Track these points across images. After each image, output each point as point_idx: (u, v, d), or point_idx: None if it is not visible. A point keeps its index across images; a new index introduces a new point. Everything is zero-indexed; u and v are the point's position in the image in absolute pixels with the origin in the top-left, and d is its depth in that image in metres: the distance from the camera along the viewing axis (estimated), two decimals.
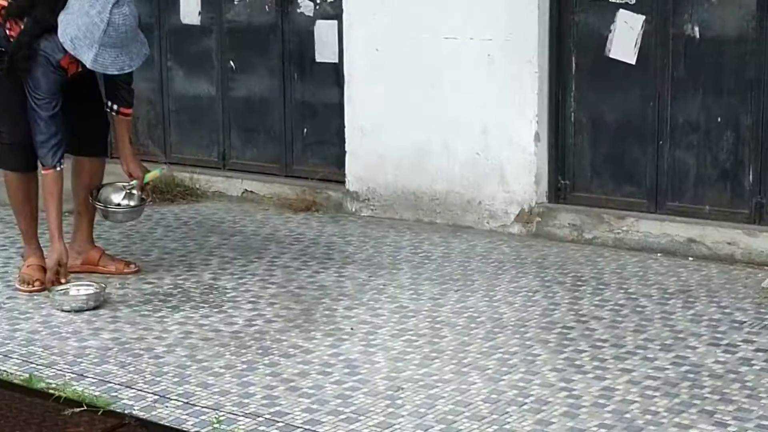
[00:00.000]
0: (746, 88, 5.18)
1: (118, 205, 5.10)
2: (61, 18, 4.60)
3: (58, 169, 4.86)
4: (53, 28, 4.64)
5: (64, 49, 4.65)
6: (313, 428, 3.50)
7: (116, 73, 4.75)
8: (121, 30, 4.59)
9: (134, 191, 5.01)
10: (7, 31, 4.76)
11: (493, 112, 5.67)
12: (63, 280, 4.88)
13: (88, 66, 4.66)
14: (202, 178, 6.78)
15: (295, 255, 5.44)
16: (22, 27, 4.67)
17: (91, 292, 4.79)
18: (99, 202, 5.09)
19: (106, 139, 5.33)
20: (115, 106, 5.10)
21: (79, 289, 4.81)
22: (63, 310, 4.71)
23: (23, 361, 4.15)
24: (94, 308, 4.69)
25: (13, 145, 5.03)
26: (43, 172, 4.89)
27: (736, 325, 4.31)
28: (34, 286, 4.97)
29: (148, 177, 5.03)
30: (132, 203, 5.04)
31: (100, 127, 5.27)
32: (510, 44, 5.57)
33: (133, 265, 5.26)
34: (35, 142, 4.83)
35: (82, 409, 3.67)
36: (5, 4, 4.79)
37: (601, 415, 3.53)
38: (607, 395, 3.69)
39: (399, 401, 3.69)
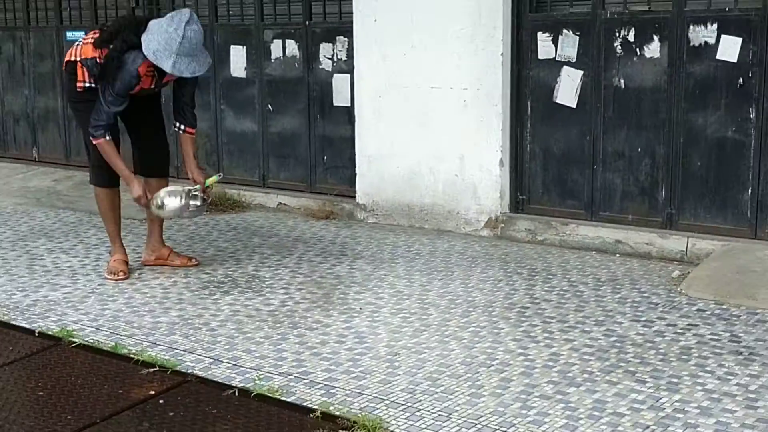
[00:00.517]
0: (659, 125, 5.20)
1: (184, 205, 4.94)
2: (144, 37, 4.60)
3: (107, 138, 4.75)
4: (136, 46, 4.62)
5: (142, 59, 4.63)
6: (331, 384, 3.52)
7: (189, 76, 4.70)
8: (192, 42, 4.59)
9: (198, 194, 4.92)
10: (98, 60, 4.72)
11: (467, 144, 5.68)
12: (150, 200, 4.87)
13: (167, 70, 4.62)
14: (246, 194, 6.79)
15: (317, 252, 5.45)
16: (111, 46, 4.66)
17: (177, 206, 4.87)
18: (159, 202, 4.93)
19: (168, 163, 5.28)
20: (182, 126, 5.04)
21: (170, 202, 4.88)
22: (163, 217, 5.09)
23: (110, 332, 4.17)
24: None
25: (100, 167, 4.96)
26: (95, 142, 4.77)
27: (652, 305, 4.32)
28: (118, 276, 4.98)
29: (209, 182, 4.97)
30: (197, 203, 4.94)
31: (162, 155, 5.20)
32: (480, 92, 5.59)
33: (194, 260, 5.25)
34: (91, 122, 4.76)
35: (155, 369, 3.70)
36: (97, 36, 4.81)
37: (549, 374, 3.55)
38: (554, 359, 3.71)
39: (396, 363, 3.72)
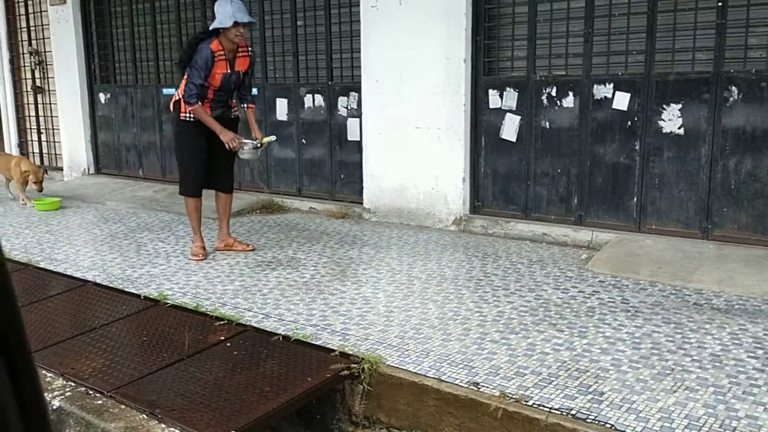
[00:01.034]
0: (573, 154, 5.20)
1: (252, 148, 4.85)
2: (212, 24, 4.57)
3: (199, 104, 4.62)
4: (205, 38, 4.61)
5: (212, 40, 4.55)
6: (346, 332, 3.53)
7: (248, 21, 4.55)
8: (239, 4, 4.53)
9: (259, 145, 4.85)
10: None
11: (440, 166, 5.68)
12: (236, 145, 4.73)
13: (237, 20, 4.47)
14: (287, 201, 6.79)
15: (336, 241, 5.45)
16: (187, 40, 4.67)
17: (252, 147, 4.82)
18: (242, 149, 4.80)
19: (233, 180, 5.18)
20: (245, 105, 4.95)
21: (248, 147, 4.82)
22: (243, 158, 4.96)
23: (193, 297, 4.18)
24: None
25: (186, 182, 4.90)
26: (190, 109, 4.62)
27: (568, 278, 4.33)
28: (198, 257, 4.95)
29: (265, 140, 4.87)
30: (256, 152, 4.88)
31: (229, 174, 5.08)
32: (450, 131, 5.59)
33: (251, 246, 5.19)
34: (185, 97, 4.59)
35: (224, 322, 3.71)
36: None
37: (497, 326, 3.56)
38: (500, 316, 3.71)
39: (391, 319, 3.72)
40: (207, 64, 4.56)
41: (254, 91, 7.08)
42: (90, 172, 8.82)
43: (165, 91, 7.93)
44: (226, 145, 4.71)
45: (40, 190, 7.10)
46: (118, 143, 8.61)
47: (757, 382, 2.84)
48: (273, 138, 5.09)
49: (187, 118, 4.74)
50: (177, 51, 7.75)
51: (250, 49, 4.86)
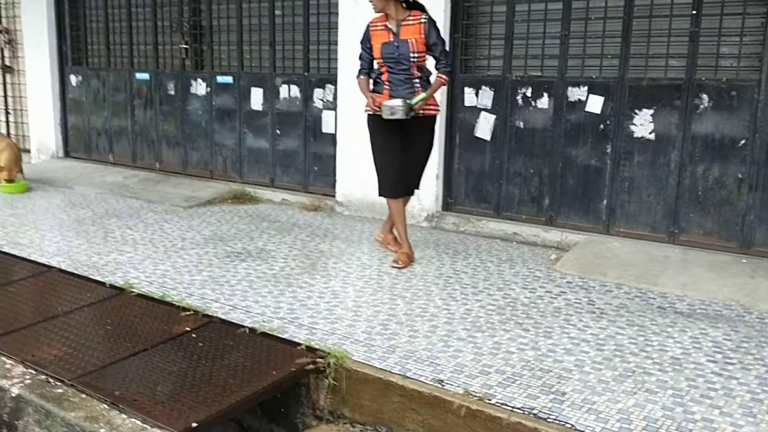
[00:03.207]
0: (546, 155, 5.25)
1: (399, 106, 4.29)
2: None
3: (362, 77, 4.46)
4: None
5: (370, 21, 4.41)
6: (313, 326, 3.53)
7: None
8: None
9: (406, 104, 4.24)
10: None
11: None
12: (375, 107, 4.35)
13: None
14: (260, 191, 6.75)
15: (308, 234, 5.43)
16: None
17: (399, 104, 4.26)
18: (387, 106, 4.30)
19: (416, 186, 4.67)
20: (437, 73, 4.40)
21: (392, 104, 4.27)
22: (389, 118, 4.30)
23: (160, 286, 4.14)
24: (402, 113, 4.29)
25: (384, 181, 4.52)
26: (360, 77, 4.46)
27: (536, 278, 4.37)
28: (403, 264, 4.51)
29: (415, 100, 4.30)
30: (407, 112, 4.23)
31: (415, 180, 4.62)
32: None
33: (402, 247, 4.65)
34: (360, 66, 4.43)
35: (190, 312, 3.68)
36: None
37: (464, 323, 3.58)
38: (468, 313, 3.74)
39: (359, 314, 3.72)
40: (365, 36, 4.42)
41: (230, 79, 7.03)
42: (59, 156, 8.67)
43: (138, 75, 7.82)
44: (367, 108, 4.40)
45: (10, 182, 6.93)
46: (88, 127, 8.47)
47: (714, 386, 2.91)
48: (424, 95, 4.58)
49: (368, 111, 4.47)
50: (151, 35, 7.67)
51: (424, 16, 4.37)
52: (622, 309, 3.81)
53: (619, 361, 3.14)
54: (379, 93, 4.44)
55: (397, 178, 4.48)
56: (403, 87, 4.38)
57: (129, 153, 8.07)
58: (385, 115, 4.29)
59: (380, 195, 4.63)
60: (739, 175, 4.57)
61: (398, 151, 4.44)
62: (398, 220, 4.63)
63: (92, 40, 8.32)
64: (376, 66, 4.47)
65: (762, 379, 2.98)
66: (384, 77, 4.43)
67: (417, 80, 4.40)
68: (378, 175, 4.56)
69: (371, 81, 4.54)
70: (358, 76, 4.52)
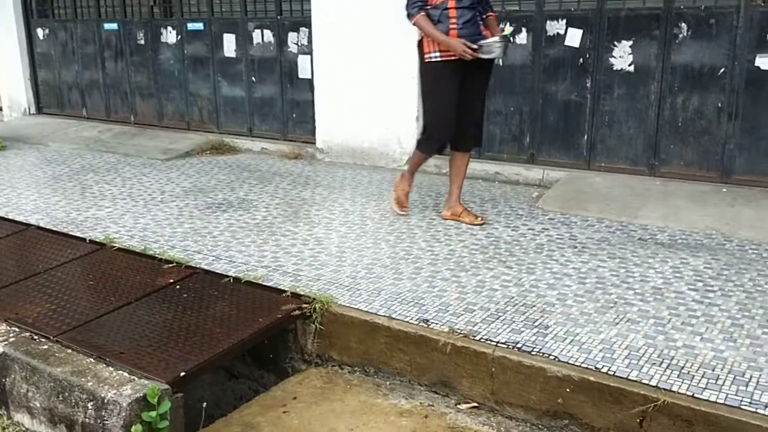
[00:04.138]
0: (526, 92, 5.20)
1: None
2: None
3: (422, 14, 3.80)
4: None
5: None
6: (298, 273, 3.52)
7: None
8: None
9: (501, 40, 3.82)
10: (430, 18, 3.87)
11: (393, 105, 5.61)
12: (469, 53, 3.77)
13: None
14: (238, 141, 6.66)
15: (289, 182, 5.38)
16: None
17: (498, 41, 3.82)
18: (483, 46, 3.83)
19: (479, 137, 4.21)
20: (486, 13, 3.97)
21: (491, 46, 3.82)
22: (489, 58, 3.88)
23: (141, 239, 4.10)
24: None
25: (433, 137, 4.07)
26: (412, 21, 3.86)
27: (519, 216, 4.38)
28: (403, 207, 4.37)
29: (507, 30, 4.03)
30: (503, 48, 3.83)
31: (479, 126, 4.17)
32: (403, 68, 5.49)
33: (481, 219, 4.22)
34: (407, 8, 3.86)
35: (173, 264, 3.66)
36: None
37: (448, 264, 3.59)
38: (451, 253, 3.74)
39: (344, 259, 3.72)
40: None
41: (200, 26, 6.85)
42: (31, 112, 8.47)
43: (106, 26, 7.58)
44: (460, 54, 3.79)
45: None
46: (59, 81, 8.26)
47: (695, 313, 2.95)
48: (511, 28, 4.30)
49: (434, 58, 3.88)
50: None
51: None
52: (603, 242, 3.83)
53: (600, 293, 3.17)
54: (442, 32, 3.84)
55: (450, 135, 4.04)
56: (471, 24, 3.85)
57: (102, 107, 7.90)
58: (483, 55, 3.82)
59: (418, 149, 4.22)
60: (719, 104, 4.55)
61: (455, 102, 3.96)
62: (416, 166, 4.29)
63: None
64: (437, 1, 3.85)
65: (742, 304, 3.03)
66: (452, 13, 3.81)
67: (480, 18, 3.92)
68: (427, 129, 4.08)
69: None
70: (416, 14, 3.84)
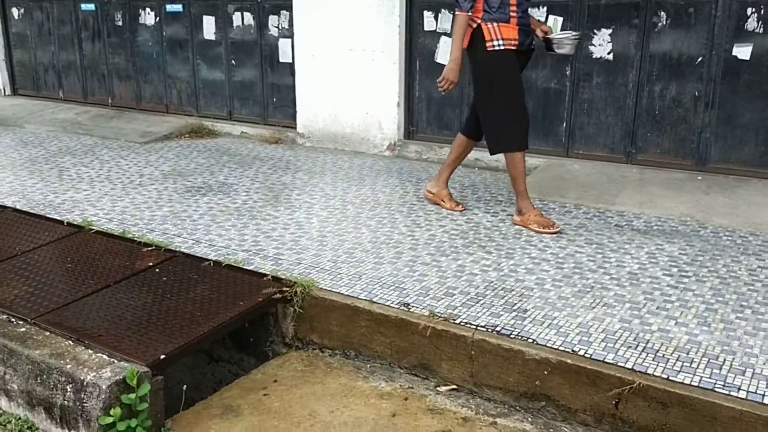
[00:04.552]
0: None
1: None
2: None
3: (468, 13, 3.65)
4: None
5: None
6: (278, 257, 3.52)
7: None
8: None
9: (571, 36, 3.83)
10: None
11: (374, 90, 5.60)
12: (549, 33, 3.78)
13: None
14: (218, 125, 6.59)
15: (269, 166, 5.35)
16: None
17: (571, 36, 3.79)
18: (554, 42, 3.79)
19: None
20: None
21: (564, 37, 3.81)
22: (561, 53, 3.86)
23: (120, 223, 4.06)
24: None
25: (513, 129, 3.81)
26: (458, 12, 3.67)
27: (498, 202, 4.39)
28: (554, 228, 3.78)
29: (575, 33, 3.92)
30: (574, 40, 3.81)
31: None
32: (384, 54, 5.49)
33: (462, 206, 4.19)
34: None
35: (152, 248, 3.63)
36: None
37: (428, 249, 3.61)
38: (432, 239, 3.76)
39: (324, 243, 3.72)
40: None
41: (179, 7, 6.75)
42: (6, 94, 8.31)
43: (83, 6, 7.44)
44: (445, 87, 3.81)
45: None
46: (35, 62, 8.10)
47: (670, 298, 3.00)
48: (559, 25, 4.12)
49: (497, 46, 3.69)
50: None
51: None
52: (581, 228, 3.87)
53: (578, 278, 3.21)
54: (503, 23, 3.70)
55: (528, 122, 3.87)
56: (526, 15, 3.77)
57: (79, 88, 7.77)
58: (557, 50, 3.77)
59: (500, 151, 3.88)
60: (696, 93, 4.60)
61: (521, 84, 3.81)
62: (523, 178, 3.89)
63: None
64: None
65: (716, 290, 3.08)
66: (513, 0, 3.70)
67: (530, 25, 3.83)
68: (500, 124, 3.81)
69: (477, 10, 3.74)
70: (464, 11, 3.70)
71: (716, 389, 2.33)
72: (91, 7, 7.40)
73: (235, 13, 6.42)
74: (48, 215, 4.18)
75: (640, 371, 2.44)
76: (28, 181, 4.96)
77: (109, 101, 7.50)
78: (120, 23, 7.20)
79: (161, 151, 5.86)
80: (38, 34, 7.96)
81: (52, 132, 6.66)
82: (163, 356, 2.61)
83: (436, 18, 5.37)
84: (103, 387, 2.41)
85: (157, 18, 6.91)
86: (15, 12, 8.09)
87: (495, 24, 3.70)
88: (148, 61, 7.10)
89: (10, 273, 3.38)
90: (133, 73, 7.26)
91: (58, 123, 6.94)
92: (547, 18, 4.93)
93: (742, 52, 4.41)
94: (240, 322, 2.98)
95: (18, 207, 4.34)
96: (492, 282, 3.17)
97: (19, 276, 3.34)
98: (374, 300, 3.00)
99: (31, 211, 4.26)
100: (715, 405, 2.27)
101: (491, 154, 4.00)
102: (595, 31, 4.82)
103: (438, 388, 2.77)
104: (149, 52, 7.07)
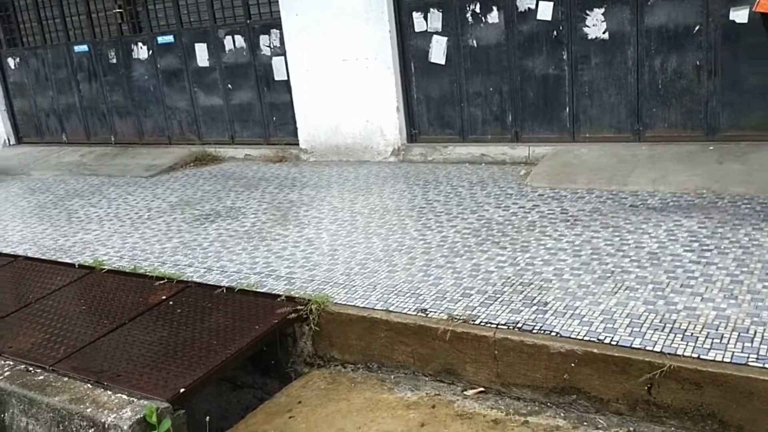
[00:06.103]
0: (503, 71, 5.15)
1: None
2: None
3: None
4: None
5: None
6: (291, 276, 3.48)
7: None
8: None
9: None
10: None
11: (372, 98, 5.56)
12: None
13: None
14: (221, 150, 6.60)
15: (275, 186, 5.34)
16: None
17: None
18: None
19: None
20: None
21: None
22: None
23: (131, 259, 4.06)
24: None
25: None
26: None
27: (508, 195, 4.34)
28: None
29: None
30: None
31: None
32: (378, 59, 5.45)
33: None
34: None
35: (164, 281, 3.62)
36: None
37: (441, 251, 3.56)
38: (444, 240, 3.71)
39: (336, 257, 3.68)
40: None
41: (171, 38, 6.78)
42: (11, 144, 8.39)
43: (76, 48, 7.50)
44: None
45: None
46: (36, 109, 8.17)
47: (693, 275, 2.92)
48: None
49: None
50: (83, 3, 7.30)
51: None
52: (595, 213, 3.80)
53: (597, 264, 3.14)
54: None
55: None
56: None
57: (82, 130, 7.82)
58: None
59: None
60: (698, 63, 4.51)
61: None
62: None
63: (23, 18, 7.93)
64: None
65: (740, 260, 3.00)
66: None
67: None
68: None
69: None
70: None
71: (749, 363, 2.26)
72: (84, 48, 7.45)
73: (226, 37, 6.42)
74: (59, 259, 4.18)
75: (669, 353, 2.37)
76: (38, 227, 4.98)
77: (112, 139, 7.54)
78: (114, 60, 7.24)
79: (167, 182, 5.86)
80: (36, 81, 8.03)
81: (58, 176, 6.70)
82: (182, 389, 2.57)
83: (425, 18, 5.33)
84: (125, 427, 2.38)
85: (150, 51, 6.94)
86: (11, 62, 8.17)
87: None
88: (146, 94, 7.13)
89: (25, 321, 3.37)
90: (132, 109, 7.29)
91: (64, 166, 6.98)
92: (537, 2, 4.87)
93: (739, 15, 4.32)
94: (257, 346, 2.94)
95: (29, 254, 4.35)
96: (509, 278, 3.11)
97: (34, 324, 3.33)
98: (391, 309, 2.95)
99: (43, 257, 4.26)
100: (750, 380, 2.20)
101: None
102: (587, 11, 4.75)
103: (465, 392, 2.71)
104: (146, 86, 7.10)
